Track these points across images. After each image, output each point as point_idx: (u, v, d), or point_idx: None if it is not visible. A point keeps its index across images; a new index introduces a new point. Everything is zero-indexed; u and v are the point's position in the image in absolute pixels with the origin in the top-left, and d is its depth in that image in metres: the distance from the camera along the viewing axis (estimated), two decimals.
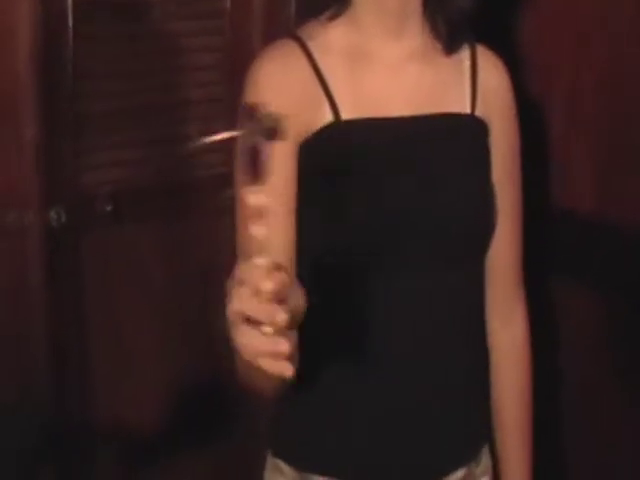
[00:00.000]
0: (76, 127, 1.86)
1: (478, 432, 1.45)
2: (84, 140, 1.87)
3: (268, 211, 0.89)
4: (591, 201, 1.77)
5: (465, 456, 1.41)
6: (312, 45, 1.33)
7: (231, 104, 1.90)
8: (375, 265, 1.29)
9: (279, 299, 0.91)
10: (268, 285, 0.90)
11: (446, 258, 1.32)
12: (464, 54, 1.40)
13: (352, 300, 1.29)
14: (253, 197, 0.89)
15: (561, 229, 1.82)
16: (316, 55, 1.32)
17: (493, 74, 1.41)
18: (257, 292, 0.90)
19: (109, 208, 1.88)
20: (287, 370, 0.91)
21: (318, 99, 1.30)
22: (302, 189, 1.29)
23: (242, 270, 0.92)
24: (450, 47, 1.37)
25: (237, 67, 1.94)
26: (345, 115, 1.30)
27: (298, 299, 1.01)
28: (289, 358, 0.91)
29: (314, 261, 1.26)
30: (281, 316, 0.90)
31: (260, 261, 0.91)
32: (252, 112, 0.89)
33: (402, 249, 1.29)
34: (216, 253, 1.84)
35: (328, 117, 1.30)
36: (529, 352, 1.49)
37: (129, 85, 1.90)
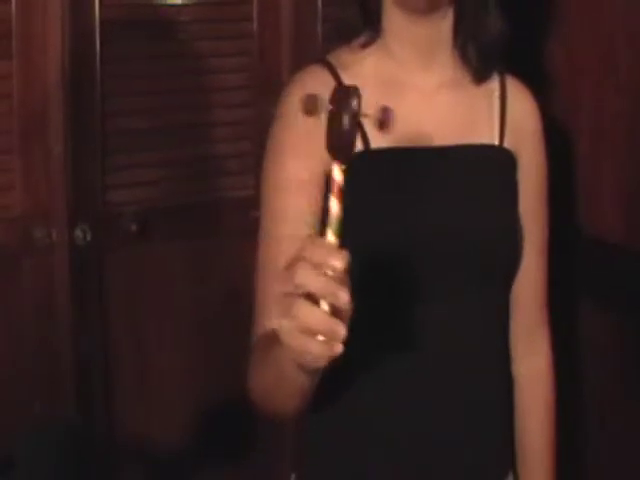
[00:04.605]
0: (103, 146, 1.87)
1: (502, 460, 1.44)
2: (111, 159, 1.88)
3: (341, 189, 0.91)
4: (620, 228, 1.76)
5: None
6: (343, 72, 1.33)
7: (258, 124, 1.91)
8: (401, 295, 1.28)
9: (343, 281, 0.89)
10: (338, 263, 0.88)
11: (471, 288, 1.32)
12: (494, 84, 1.39)
13: (379, 329, 1.28)
14: (338, 173, 0.91)
15: (590, 256, 1.81)
16: (346, 82, 1.32)
17: (522, 105, 1.40)
18: (321, 268, 0.88)
19: (135, 227, 1.89)
20: (338, 348, 0.89)
21: None
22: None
23: (307, 247, 0.90)
24: (480, 77, 1.37)
25: (265, 88, 1.95)
26: (375, 144, 1.29)
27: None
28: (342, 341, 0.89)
29: None
30: (344, 296, 0.89)
31: (332, 239, 0.90)
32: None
33: (428, 280, 1.28)
34: (242, 273, 1.84)
35: (357, 146, 1.29)
36: (552, 380, 1.48)
37: (156, 105, 1.91)
